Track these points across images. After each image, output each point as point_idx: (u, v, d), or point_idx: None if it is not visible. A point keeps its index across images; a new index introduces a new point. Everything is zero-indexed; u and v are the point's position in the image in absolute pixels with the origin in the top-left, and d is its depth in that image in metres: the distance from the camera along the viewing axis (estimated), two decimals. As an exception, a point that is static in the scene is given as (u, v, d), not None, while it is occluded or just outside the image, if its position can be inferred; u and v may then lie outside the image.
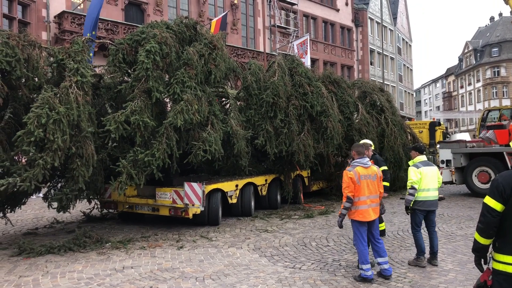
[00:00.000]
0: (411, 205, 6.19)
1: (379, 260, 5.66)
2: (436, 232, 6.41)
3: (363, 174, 5.56)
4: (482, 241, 3.05)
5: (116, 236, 8.29)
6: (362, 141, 8.05)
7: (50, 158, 6.57)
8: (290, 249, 7.28)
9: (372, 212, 5.56)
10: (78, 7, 21.52)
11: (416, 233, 6.25)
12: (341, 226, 5.79)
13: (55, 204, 7.88)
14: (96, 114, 8.25)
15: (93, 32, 14.92)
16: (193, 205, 8.35)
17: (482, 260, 3.16)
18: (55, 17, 20.75)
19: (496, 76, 60.53)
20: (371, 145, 7.59)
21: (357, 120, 13.38)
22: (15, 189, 6.56)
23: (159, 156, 7.85)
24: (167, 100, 9.50)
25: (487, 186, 13.06)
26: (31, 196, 14.04)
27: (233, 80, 12.38)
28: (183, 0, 26.26)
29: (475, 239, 3.12)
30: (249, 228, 9.09)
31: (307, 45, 28.48)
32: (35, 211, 11.98)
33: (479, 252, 3.12)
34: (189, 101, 8.24)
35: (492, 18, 68.69)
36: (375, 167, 5.78)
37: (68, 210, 8.10)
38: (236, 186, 10.03)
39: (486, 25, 69.47)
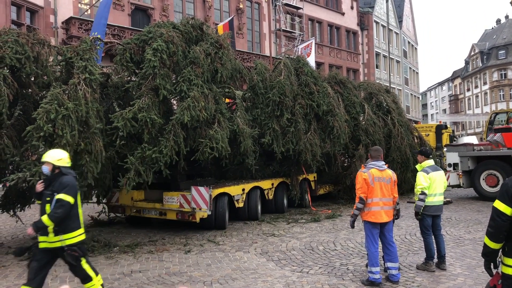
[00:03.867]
0: (421, 211, 6.16)
1: (389, 265, 5.64)
2: (442, 236, 6.40)
3: (377, 176, 5.59)
4: (492, 245, 3.04)
5: (123, 240, 8.33)
6: None
7: None
8: (297, 253, 7.27)
9: (384, 214, 5.56)
10: (85, 13, 21.74)
11: (427, 237, 6.21)
12: (352, 226, 5.79)
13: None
14: (104, 113, 8.35)
15: (97, 35, 15.03)
16: (200, 209, 8.38)
17: (492, 264, 3.15)
18: (62, 23, 20.98)
19: (503, 78, 60.16)
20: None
21: (363, 122, 13.37)
22: (25, 185, 6.64)
23: (167, 153, 7.92)
24: (174, 102, 9.57)
25: (495, 189, 12.97)
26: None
27: (239, 82, 12.44)
28: (189, 5, 26.45)
29: (484, 243, 3.11)
30: (256, 232, 9.10)
31: (310, 48, 28.49)
32: (43, 215, 12.04)
33: (489, 256, 3.11)
34: (196, 98, 8.31)
35: (498, 21, 68.38)
36: (390, 171, 5.79)
37: None
38: (243, 190, 10.05)
39: (492, 28, 69.17)
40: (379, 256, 5.66)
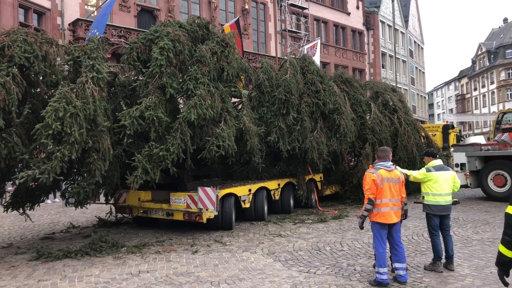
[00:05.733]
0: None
1: (397, 265, 5.63)
2: (451, 236, 6.35)
3: (385, 176, 5.59)
4: (510, 254, 2.90)
5: (131, 241, 8.37)
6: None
7: (67, 151, 6.72)
8: (304, 253, 7.27)
9: (394, 215, 5.56)
10: (92, 15, 21.88)
11: (434, 237, 6.18)
12: (361, 227, 5.77)
13: (72, 201, 8.07)
14: (112, 112, 8.42)
15: (97, 32, 15.05)
16: (207, 209, 8.40)
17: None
18: (69, 24, 21.15)
19: (511, 77, 59.71)
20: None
21: (370, 121, 13.33)
22: (34, 183, 6.70)
23: (174, 151, 7.95)
24: (180, 101, 9.61)
25: (503, 189, 12.90)
26: (47, 201, 14.35)
27: (245, 81, 12.48)
28: (195, 6, 26.54)
29: (500, 252, 2.96)
30: (262, 232, 9.11)
31: (316, 48, 28.47)
32: (51, 216, 12.16)
33: (505, 266, 2.97)
34: (202, 96, 8.35)
35: (505, 19, 67.88)
36: (398, 171, 5.78)
37: (86, 205, 8.30)
38: (249, 190, 10.06)
39: (499, 27, 68.70)
40: (387, 257, 5.65)
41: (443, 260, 6.24)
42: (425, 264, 6.34)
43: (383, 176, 5.57)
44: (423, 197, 6.25)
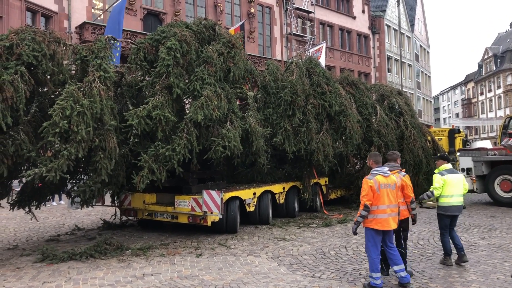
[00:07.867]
0: (424, 200, 7.01)
1: (395, 268, 5.60)
2: (455, 231, 6.78)
3: (383, 183, 5.54)
4: None
5: (136, 243, 8.37)
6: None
7: (74, 149, 6.76)
8: (309, 257, 7.25)
9: (392, 221, 5.53)
10: (99, 18, 22.03)
11: (443, 236, 6.67)
12: (355, 233, 5.76)
13: (77, 200, 8.11)
14: (118, 111, 8.45)
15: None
16: (211, 212, 8.39)
17: None
18: (76, 28, 21.31)
19: (517, 82, 59.33)
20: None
21: (375, 124, 13.28)
22: (41, 180, 6.76)
23: (180, 151, 7.97)
24: (187, 102, 9.65)
25: (510, 194, 12.81)
26: (52, 203, 14.41)
27: (250, 83, 12.50)
28: (201, 10, 26.66)
29: None
30: (267, 236, 9.08)
31: (321, 51, 28.48)
32: (56, 218, 12.19)
33: None
34: (209, 96, 8.37)
35: (512, 24, 67.55)
36: (393, 176, 5.74)
37: (91, 206, 8.28)
38: (254, 194, 10.04)
39: (506, 31, 68.37)
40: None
41: (455, 257, 6.63)
42: (440, 259, 6.82)
43: (381, 182, 5.53)
44: (437, 199, 6.64)
